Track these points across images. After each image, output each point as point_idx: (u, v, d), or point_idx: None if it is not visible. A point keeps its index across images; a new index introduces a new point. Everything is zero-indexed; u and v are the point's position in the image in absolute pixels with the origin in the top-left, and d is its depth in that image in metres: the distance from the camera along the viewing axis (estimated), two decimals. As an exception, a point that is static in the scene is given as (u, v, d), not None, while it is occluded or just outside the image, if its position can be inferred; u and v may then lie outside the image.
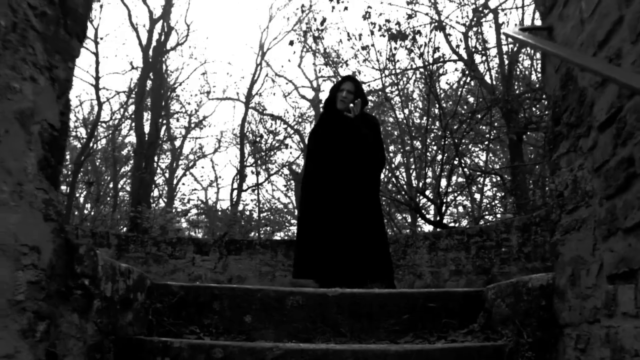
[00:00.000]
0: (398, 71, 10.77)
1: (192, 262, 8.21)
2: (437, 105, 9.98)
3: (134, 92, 20.18)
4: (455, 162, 9.88)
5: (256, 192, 22.25)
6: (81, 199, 21.45)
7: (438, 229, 9.69)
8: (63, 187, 18.84)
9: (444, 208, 9.95)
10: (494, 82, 11.31)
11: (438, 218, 10.07)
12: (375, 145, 4.26)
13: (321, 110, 4.66)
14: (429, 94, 9.41)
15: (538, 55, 12.96)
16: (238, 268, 8.33)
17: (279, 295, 2.37)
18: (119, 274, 2.05)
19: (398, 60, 11.30)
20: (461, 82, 10.55)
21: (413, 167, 12.05)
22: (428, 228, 16.80)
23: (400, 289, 3.74)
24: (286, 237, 25.94)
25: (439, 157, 11.14)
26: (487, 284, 7.31)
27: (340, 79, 4.63)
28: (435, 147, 11.77)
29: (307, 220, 4.19)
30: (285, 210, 25.21)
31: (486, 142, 11.23)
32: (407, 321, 2.23)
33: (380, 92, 12.58)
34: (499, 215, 9.11)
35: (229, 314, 2.33)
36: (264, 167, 23.78)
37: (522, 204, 9.65)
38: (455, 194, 11.72)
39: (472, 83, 11.65)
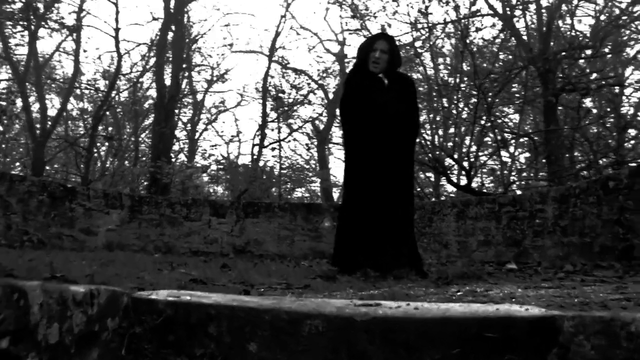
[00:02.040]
0: (430, 25, 10.10)
1: (208, 225, 7.89)
2: (469, 62, 9.35)
3: (154, 44, 19.65)
4: (487, 124, 9.31)
5: (278, 148, 21.77)
6: (102, 153, 21.28)
7: (466, 195, 9.23)
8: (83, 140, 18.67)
9: (472, 172, 9.43)
10: (531, 40, 10.58)
11: (466, 182, 9.58)
12: (411, 114, 3.86)
13: (350, 71, 4.16)
14: (463, 49, 8.76)
15: (579, 11, 12.17)
16: (256, 232, 8.01)
17: (293, 318, 1.72)
18: (74, 304, 1.53)
19: (430, 13, 10.57)
20: (496, 39, 9.85)
21: (441, 127, 11.50)
22: (451, 189, 16.31)
23: (428, 277, 3.28)
24: (306, 199, 25.71)
25: (468, 117, 10.58)
26: (518, 256, 6.91)
27: (371, 36, 4.09)
28: (464, 107, 11.19)
29: (348, 210, 3.90)
30: (307, 167, 24.85)
31: (520, 103, 10.59)
32: (457, 356, 1.66)
33: (409, 47, 11.94)
34: (530, 182, 8.55)
35: (229, 341, 1.71)
36: (286, 122, 23.28)
37: (556, 171, 9.10)
38: (486, 158, 11.15)
39: (508, 40, 10.92)
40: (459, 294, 2.32)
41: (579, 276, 5.01)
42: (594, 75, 10.76)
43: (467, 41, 8.83)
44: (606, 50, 11.48)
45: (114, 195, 7.51)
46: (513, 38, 10.40)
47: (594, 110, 13.47)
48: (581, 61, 11.43)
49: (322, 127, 24.07)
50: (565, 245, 5.98)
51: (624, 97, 14.55)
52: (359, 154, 3.86)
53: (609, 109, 13.54)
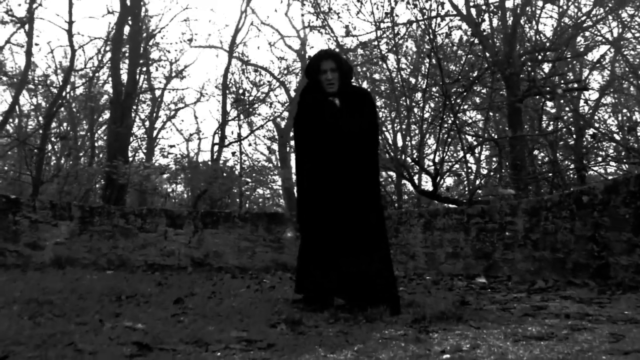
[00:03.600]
0: (394, 25, 9.84)
1: (165, 236, 7.47)
2: (434, 63, 9.13)
3: (110, 39, 18.93)
4: (453, 128, 9.11)
5: (238, 146, 21.26)
6: (56, 152, 20.44)
7: (432, 202, 9.03)
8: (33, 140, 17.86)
9: (438, 178, 9.23)
10: (497, 43, 10.44)
11: (432, 188, 9.38)
12: (368, 131, 3.59)
13: (302, 90, 3.85)
14: (430, 51, 8.52)
15: (543, 14, 12.11)
16: (215, 243, 7.62)
17: None
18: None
19: (397, 15, 10.34)
20: (462, 42, 9.66)
21: (403, 127, 11.28)
22: (410, 186, 16.10)
23: (402, 315, 2.99)
24: (267, 200, 25.31)
25: (432, 119, 10.39)
26: (488, 269, 6.72)
27: (315, 55, 3.73)
28: (429, 110, 11.01)
29: (307, 232, 3.64)
30: (269, 165, 24.44)
31: (485, 107, 10.45)
32: None
33: (372, 46, 11.70)
34: (500, 190, 8.40)
35: None
36: (247, 120, 22.83)
37: (520, 177, 8.97)
38: (451, 163, 10.99)
39: (473, 43, 10.77)
40: (444, 357, 2.04)
41: (554, 294, 4.85)
42: (558, 79, 10.72)
43: (433, 44, 8.59)
44: (569, 54, 11.47)
45: (62, 205, 7.01)
46: (476, 40, 10.24)
47: (552, 111, 13.53)
48: (546, 64, 11.38)
49: (283, 124, 23.68)
50: (537, 259, 5.80)
51: (582, 98, 14.66)
52: (312, 176, 3.60)
53: (567, 109, 13.61)
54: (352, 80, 3.92)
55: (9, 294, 3.34)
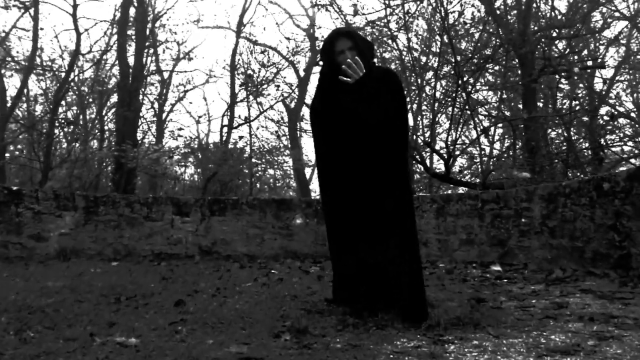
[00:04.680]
0: (406, 3, 9.53)
1: (171, 225, 7.33)
2: (445, 39, 8.83)
3: (116, 21, 18.70)
4: (466, 110, 8.84)
5: (248, 128, 21.03)
6: (66, 136, 20.31)
7: (443, 184, 8.81)
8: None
9: (451, 160, 8.99)
10: (511, 20, 10.08)
11: (444, 171, 9.15)
12: (391, 117, 3.12)
13: (320, 73, 3.45)
14: (442, 31, 8.23)
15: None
16: (222, 230, 7.47)
17: None
18: None
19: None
20: (475, 18, 9.33)
21: (413, 107, 11.02)
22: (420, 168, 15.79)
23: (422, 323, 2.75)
24: (278, 181, 25.11)
25: (444, 99, 10.12)
26: (503, 257, 6.51)
27: (328, 35, 3.30)
28: (441, 89, 10.73)
29: (333, 236, 3.34)
30: (281, 146, 24.20)
31: (499, 88, 10.14)
32: None
33: (382, 24, 11.38)
34: (514, 172, 8.15)
35: None
36: (256, 100, 22.54)
37: (534, 161, 8.70)
38: (464, 145, 10.72)
39: (486, 21, 10.42)
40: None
41: (573, 285, 4.64)
42: (573, 57, 10.37)
43: (445, 23, 8.29)
44: (584, 32, 11.08)
45: (66, 196, 6.87)
46: (491, 18, 9.90)
47: (566, 88, 13.16)
48: (561, 42, 11.02)
49: (292, 105, 23.40)
50: (554, 247, 5.59)
51: (596, 76, 14.25)
52: (328, 171, 3.33)
53: (581, 86, 13.24)
54: (375, 60, 3.52)
55: (3, 300, 3.19)
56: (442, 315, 2.78)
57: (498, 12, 9.57)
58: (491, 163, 9.76)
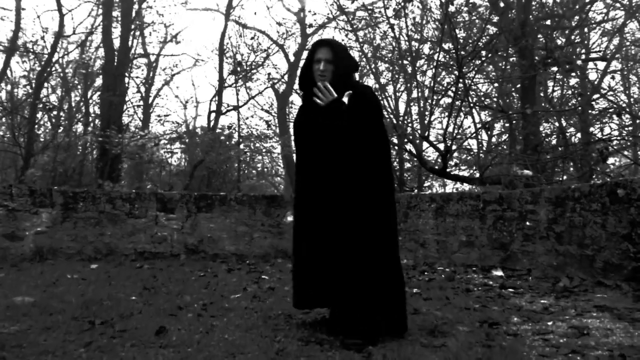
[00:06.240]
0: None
1: (155, 222, 6.95)
2: (442, 27, 8.45)
3: (101, 2, 18.09)
4: (465, 103, 8.50)
5: (236, 114, 20.53)
6: (50, 120, 19.72)
7: (439, 179, 8.49)
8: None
9: (448, 155, 8.66)
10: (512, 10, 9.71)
11: (441, 166, 8.82)
12: (360, 133, 3.05)
13: (297, 87, 3.39)
14: (444, 20, 7.84)
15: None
16: (210, 228, 7.11)
17: None
18: None
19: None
20: (475, 5, 8.95)
21: (400, 93, 10.65)
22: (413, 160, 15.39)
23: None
24: (267, 169, 24.71)
25: (434, 85, 9.76)
26: (505, 261, 6.20)
27: (313, 43, 3.27)
28: (433, 75, 10.35)
29: (299, 245, 3.21)
30: (271, 132, 23.73)
31: (499, 80, 9.79)
32: None
33: (380, 14, 10.99)
34: (515, 168, 7.83)
35: None
36: (244, 85, 22.01)
37: (537, 159, 8.38)
38: (462, 139, 10.36)
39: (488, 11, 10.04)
40: None
41: (585, 299, 4.35)
42: (574, 48, 10.05)
43: (446, 10, 7.90)
44: (585, 22, 10.75)
45: (42, 192, 6.46)
46: (490, 5, 9.52)
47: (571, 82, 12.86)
48: (562, 32, 10.67)
49: (282, 89, 22.91)
50: (561, 254, 5.29)
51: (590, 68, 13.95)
52: (300, 184, 3.24)
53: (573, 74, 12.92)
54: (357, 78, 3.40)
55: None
56: (460, 351, 2.45)
57: (502, 4, 9.20)
58: (489, 157, 9.44)
